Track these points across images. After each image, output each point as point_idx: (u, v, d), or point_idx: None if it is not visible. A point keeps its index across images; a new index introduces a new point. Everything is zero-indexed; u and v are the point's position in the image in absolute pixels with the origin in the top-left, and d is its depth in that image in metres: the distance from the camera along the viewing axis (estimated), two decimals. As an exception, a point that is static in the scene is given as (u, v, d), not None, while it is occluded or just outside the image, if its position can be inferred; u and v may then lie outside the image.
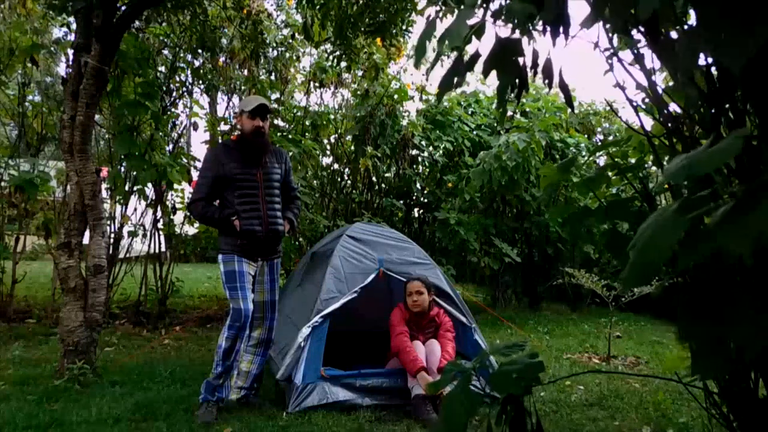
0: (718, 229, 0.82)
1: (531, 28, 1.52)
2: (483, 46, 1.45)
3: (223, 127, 6.82)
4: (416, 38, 1.58)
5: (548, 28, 1.37)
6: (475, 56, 1.46)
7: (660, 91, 1.62)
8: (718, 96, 1.38)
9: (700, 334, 0.99)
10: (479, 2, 1.51)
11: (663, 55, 1.46)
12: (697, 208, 0.90)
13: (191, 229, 7.13)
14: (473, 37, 1.44)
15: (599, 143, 9.26)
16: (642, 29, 1.48)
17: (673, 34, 1.50)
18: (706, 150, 0.91)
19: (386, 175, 7.93)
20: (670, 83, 1.63)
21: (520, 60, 1.48)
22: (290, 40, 7.15)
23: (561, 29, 1.36)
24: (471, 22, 1.42)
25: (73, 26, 4.79)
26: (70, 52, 3.95)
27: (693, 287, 1.19)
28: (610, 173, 1.94)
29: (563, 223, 2.10)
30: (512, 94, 1.54)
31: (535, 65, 1.57)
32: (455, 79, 1.48)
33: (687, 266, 1.27)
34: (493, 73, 1.44)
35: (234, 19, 6.57)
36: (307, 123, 7.16)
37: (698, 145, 1.59)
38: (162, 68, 6.46)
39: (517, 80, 1.50)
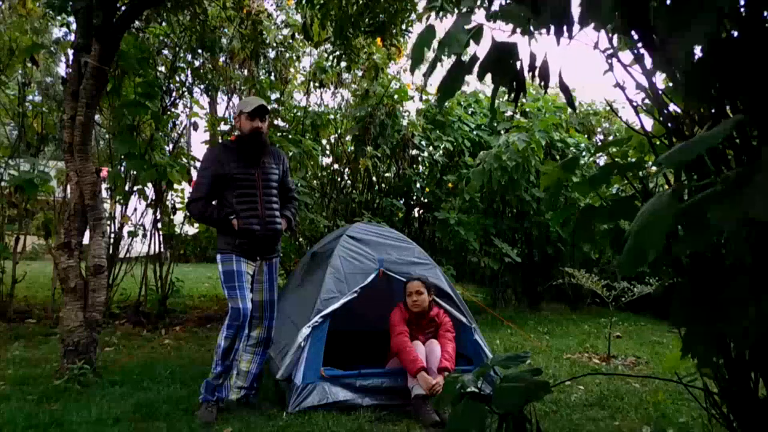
0: (708, 208, 0.84)
1: (532, 29, 1.52)
2: (483, 48, 1.46)
3: (223, 127, 6.82)
4: (416, 38, 1.58)
5: (551, 28, 1.37)
6: (473, 59, 1.46)
7: (660, 91, 1.62)
8: (718, 96, 1.38)
9: (692, 320, 1.00)
10: (478, 4, 1.51)
11: (656, 59, 1.46)
12: (691, 192, 0.92)
13: (191, 229, 7.14)
14: (471, 41, 1.44)
15: (599, 143, 9.27)
16: (636, 31, 1.48)
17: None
18: (698, 136, 0.92)
19: (386, 175, 7.93)
20: (671, 83, 1.63)
21: (517, 63, 1.49)
22: (290, 40, 7.16)
23: (564, 29, 1.36)
24: (469, 26, 1.42)
25: (73, 26, 4.79)
26: (70, 52, 3.95)
27: (688, 277, 1.19)
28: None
29: (563, 224, 2.09)
30: (510, 97, 1.55)
31: (532, 67, 1.57)
32: (455, 86, 1.49)
33: (682, 256, 1.27)
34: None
35: (234, 19, 6.58)
36: (307, 123, 7.15)
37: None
38: (162, 68, 6.46)
39: (514, 84, 1.50)
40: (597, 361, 4.87)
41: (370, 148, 7.13)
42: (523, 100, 7.87)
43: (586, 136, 8.69)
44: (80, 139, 3.74)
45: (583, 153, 7.97)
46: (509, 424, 1.28)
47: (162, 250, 6.40)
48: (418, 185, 8.14)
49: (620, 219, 1.67)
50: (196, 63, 6.62)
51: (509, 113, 8.12)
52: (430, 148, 7.90)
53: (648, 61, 1.58)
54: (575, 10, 1.29)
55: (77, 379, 3.52)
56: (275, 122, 6.91)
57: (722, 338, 1.26)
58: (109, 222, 5.49)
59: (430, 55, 1.55)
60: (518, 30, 1.46)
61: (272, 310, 3.39)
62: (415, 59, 1.53)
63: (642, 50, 1.58)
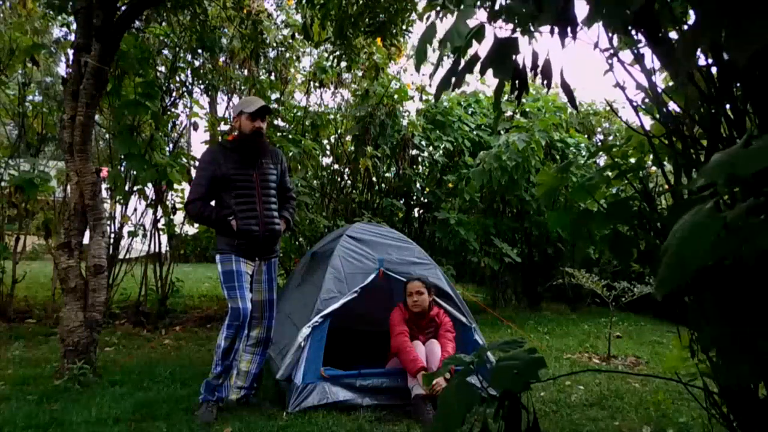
0: (756, 229, 0.80)
1: (533, 28, 1.52)
2: (483, 48, 1.46)
3: (223, 127, 6.82)
4: (416, 38, 1.59)
5: (555, 29, 1.36)
6: (474, 58, 1.47)
7: (660, 91, 1.62)
8: (718, 96, 1.38)
9: (730, 339, 0.96)
10: (479, 2, 1.51)
11: (662, 57, 1.46)
12: (729, 207, 0.87)
13: (191, 229, 7.13)
14: (473, 40, 1.44)
15: (599, 143, 9.27)
16: (642, 30, 1.48)
17: (673, 35, 1.50)
18: (749, 149, 0.87)
19: (386, 175, 7.92)
20: (670, 83, 1.63)
21: (520, 60, 1.49)
22: (290, 40, 7.15)
23: (568, 29, 1.36)
24: (471, 23, 1.42)
25: (73, 26, 4.79)
26: (70, 52, 3.95)
27: (717, 291, 1.16)
28: (609, 173, 1.93)
29: (563, 227, 2.08)
30: (513, 95, 1.55)
31: (535, 66, 1.58)
32: (453, 80, 1.49)
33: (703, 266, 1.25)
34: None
35: (234, 19, 6.57)
36: (307, 123, 7.15)
37: (698, 145, 1.59)
38: (162, 68, 6.46)
39: (516, 81, 1.50)
40: (597, 361, 4.87)
41: (370, 148, 7.12)
42: (524, 100, 7.87)
43: (586, 136, 8.69)
44: (80, 139, 3.74)
45: (583, 153, 7.97)
46: (505, 409, 1.27)
47: (162, 250, 6.40)
48: (418, 185, 8.14)
49: (617, 222, 1.66)
50: (196, 63, 6.61)
51: (509, 113, 8.11)
52: (430, 148, 7.89)
53: (648, 62, 1.58)
54: (578, 11, 1.29)
55: (77, 379, 3.52)
56: (275, 122, 6.91)
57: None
58: (109, 222, 5.49)
59: (433, 56, 1.55)
60: (518, 30, 1.46)
61: (272, 310, 3.39)
62: (419, 56, 1.52)
63: (642, 50, 1.58)
